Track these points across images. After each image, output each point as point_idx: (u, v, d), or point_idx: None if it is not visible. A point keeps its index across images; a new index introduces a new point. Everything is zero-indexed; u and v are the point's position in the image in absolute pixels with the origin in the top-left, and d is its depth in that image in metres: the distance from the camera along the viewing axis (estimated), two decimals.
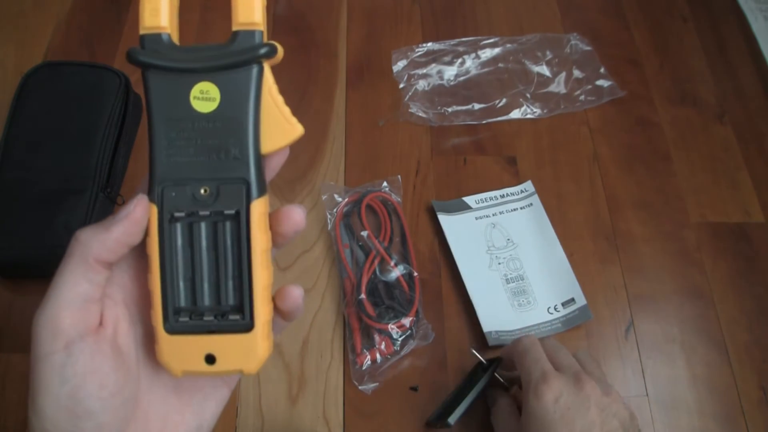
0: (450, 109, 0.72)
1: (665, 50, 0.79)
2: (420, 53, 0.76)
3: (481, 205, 0.65)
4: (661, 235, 0.66)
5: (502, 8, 0.82)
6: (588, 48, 0.77)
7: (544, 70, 0.76)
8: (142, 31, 0.27)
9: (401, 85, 0.74)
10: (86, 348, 0.25)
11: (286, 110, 0.27)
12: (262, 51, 0.26)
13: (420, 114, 0.71)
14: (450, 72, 0.75)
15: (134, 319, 0.28)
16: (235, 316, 0.27)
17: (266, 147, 0.27)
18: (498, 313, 0.59)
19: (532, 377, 0.45)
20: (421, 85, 0.74)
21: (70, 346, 0.24)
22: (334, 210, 0.64)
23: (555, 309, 0.60)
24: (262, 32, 0.27)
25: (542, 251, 0.63)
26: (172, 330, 0.27)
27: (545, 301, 0.60)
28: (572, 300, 0.60)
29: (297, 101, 0.73)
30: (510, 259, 0.62)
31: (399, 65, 0.75)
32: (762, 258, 0.64)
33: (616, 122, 0.73)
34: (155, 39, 0.26)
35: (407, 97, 0.73)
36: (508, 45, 0.77)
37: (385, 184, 0.65)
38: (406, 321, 0.56)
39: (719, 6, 0.84)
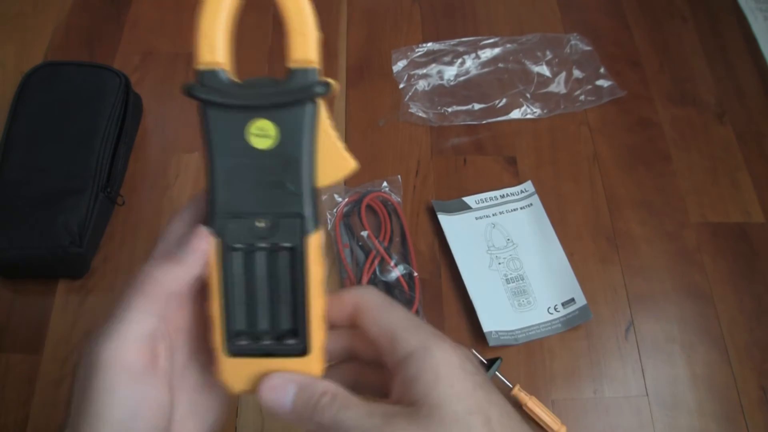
0: (450, 109, 0.72)
1: (665, 50, 0.79)
2: (420, 53, 0.76)
3: (481, 205, 0.65)
4: (661, 235, 0.65)
5: (502, 8, 0.82)
6: (588, 48, 0.77)
7: (544, 70, 0.76)
8: (199, 66, 0.27)
9: (401, 85, 0.74)
10: (149, 381, 0.26)
11: (341, 145, 0.28)
12: (318, 90, 0.27)
13: (420, 114, 0.71)
14: (450, 72, 0.75)
15: (175, 343, 0.29)
16: (291, 341, 0.28)
17: (321, 181, 0.28)
18: (498, 313, 0.59)
19: (418, 340, 0.27)
20: (421, 85, 0.74)
21: (136, 381, 0.25)
22: (334, 210, 0.64)
23: (555, 309, 0.60)
24: (317, 69, 0.27)
25: (542, 251, 0.63)
26: (231, 352, 0.28)
27: (545, 301, 0.60)
28: (572, 300, 0.60)
29: None
30: (510, 259, 0.62)
31: (399, 65, 0.75)
32: (762, 258, 0.64)
33: (616, 122, 0.73)
34: (212, 75, 0.27)
35: (407, 97, 0.73)
36: (508, 45, 0.77)
37: (385, 184, 0.65)
38: None
39: (719, 6, 0.84)
